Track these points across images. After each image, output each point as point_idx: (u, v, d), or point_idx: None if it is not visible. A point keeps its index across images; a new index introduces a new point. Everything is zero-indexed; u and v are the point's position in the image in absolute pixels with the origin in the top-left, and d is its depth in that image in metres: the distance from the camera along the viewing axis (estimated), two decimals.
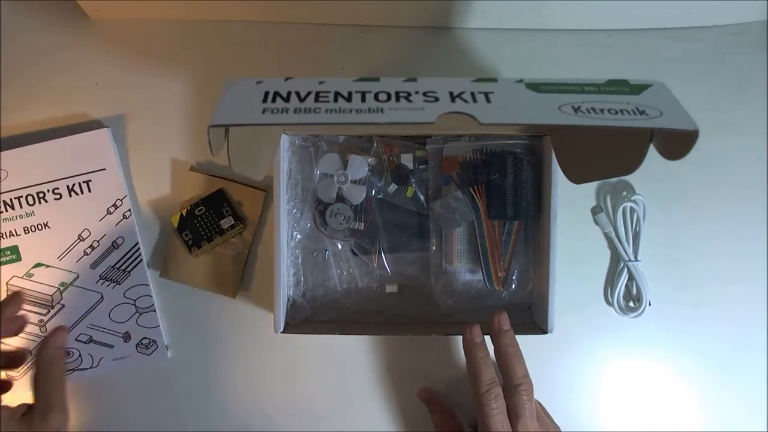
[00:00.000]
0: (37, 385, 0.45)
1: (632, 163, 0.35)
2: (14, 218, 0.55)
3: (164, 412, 0.57)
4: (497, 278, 0.53)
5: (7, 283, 0.55)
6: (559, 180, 0.49)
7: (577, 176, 0.44)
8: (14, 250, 0.55)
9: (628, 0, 0.51)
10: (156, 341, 0.56)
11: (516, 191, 0.52)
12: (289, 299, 0.54)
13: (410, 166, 0.53)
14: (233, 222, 0.55)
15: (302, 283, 0.55)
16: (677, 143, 0.31)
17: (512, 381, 0.46)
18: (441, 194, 0.53)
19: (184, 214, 0.55)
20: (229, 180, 0.56)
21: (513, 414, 0.45)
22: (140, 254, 0.56)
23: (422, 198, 0.53)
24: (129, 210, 0.55)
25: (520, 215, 0.52)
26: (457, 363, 0.56)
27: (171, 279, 0.56)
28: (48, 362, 0.46)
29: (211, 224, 0.55)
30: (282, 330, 0.51)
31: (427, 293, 0.54)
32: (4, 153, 0.54)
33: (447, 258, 0.54)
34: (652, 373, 0.57)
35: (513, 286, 0.54)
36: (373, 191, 0.53)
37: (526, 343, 0.54)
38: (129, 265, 0.56)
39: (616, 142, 0.38)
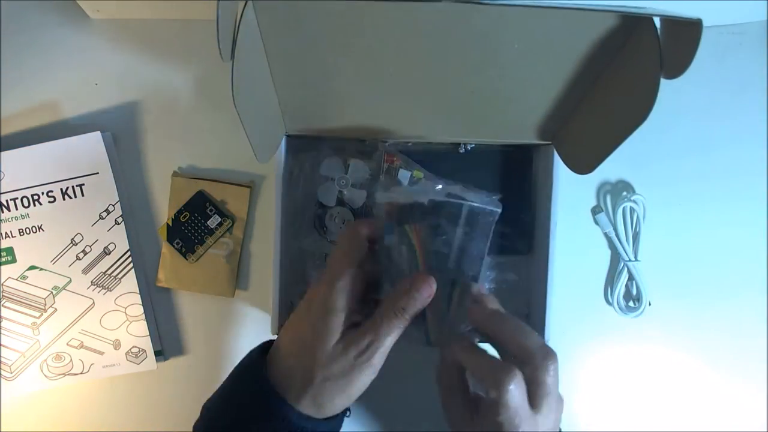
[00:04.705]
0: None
1: (642, 108, 0.35)
2: (9, 220, 0.54)
3: (161, 414, 0.56)
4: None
5: (2, 284, 0.54)
6: (559, 190, 0.49)
7: (587, 164, 0.43)
8: (9, 251, 0.54)
9: (627, 0, 0.51)
10: (145, 351, 0.55)
11: (463, 248, 0.43)
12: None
13: (405, 182, 0.51)
14: (220, 219, 0.55)
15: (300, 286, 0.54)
16: (679, 52, 0.33)
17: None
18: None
19: (170, 223, 0.55)
20: (212, 180, 0.55)
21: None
22: (131, 261, 0.55)
23: None
24: (121, 216, 0.55)
25: (461, 274, 0.43)
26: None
27: (170, 287, 0.56)
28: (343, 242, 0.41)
29: (198, 227, 0.55)
30: (278, 332, 0.50)
31: None
32: (2, 154, 0.53)
33: None
34: (653, 373, 0.57)
35: (510, 296, 0.52)
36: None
37: None
38: (120, 272, 0.55)
39: (623, 95, 0.39)
